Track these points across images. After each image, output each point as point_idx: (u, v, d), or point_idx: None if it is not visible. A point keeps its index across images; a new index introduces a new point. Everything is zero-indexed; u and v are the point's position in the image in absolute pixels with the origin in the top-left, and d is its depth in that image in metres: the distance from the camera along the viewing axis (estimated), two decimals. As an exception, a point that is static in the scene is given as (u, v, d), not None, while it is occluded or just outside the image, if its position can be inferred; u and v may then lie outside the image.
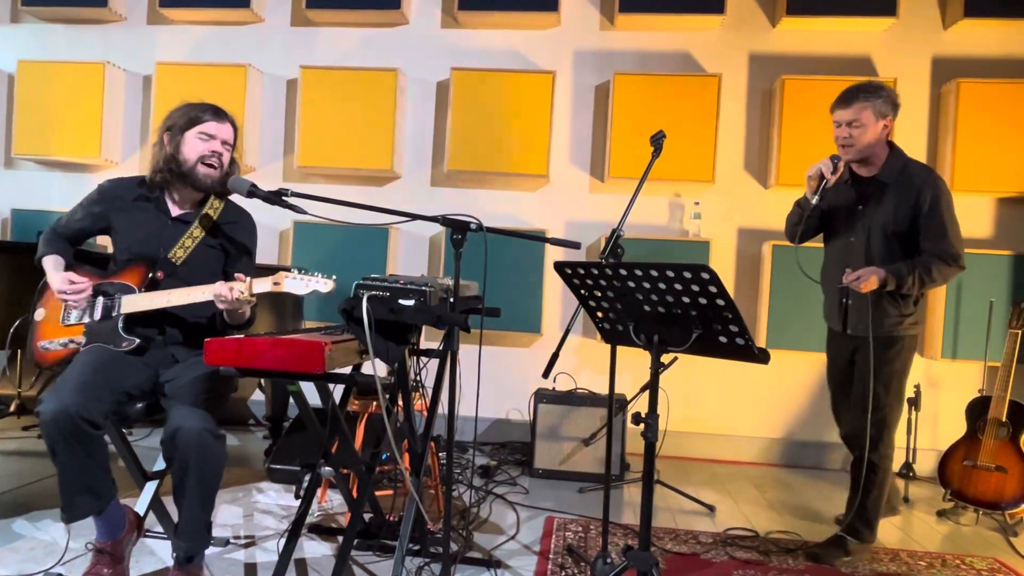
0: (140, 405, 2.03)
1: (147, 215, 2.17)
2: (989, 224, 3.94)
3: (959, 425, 3.26)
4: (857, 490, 2.58)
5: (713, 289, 1.65)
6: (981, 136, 3.77)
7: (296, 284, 1.91)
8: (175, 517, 2.00)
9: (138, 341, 2.05)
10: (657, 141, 2.45)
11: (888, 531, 2.74)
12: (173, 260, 2.14)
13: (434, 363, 2.35)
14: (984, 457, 3.10)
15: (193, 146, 2.11)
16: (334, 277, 1.91)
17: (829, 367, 2.83)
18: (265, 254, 4.26)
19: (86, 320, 2.09)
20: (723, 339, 1.75)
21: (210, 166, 2.12)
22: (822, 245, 2.79)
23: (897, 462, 3.27)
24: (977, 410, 3.20)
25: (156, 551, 2.32)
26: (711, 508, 3.14)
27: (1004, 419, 3.10)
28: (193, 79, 4.26)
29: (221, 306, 1.97)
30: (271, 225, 4.29)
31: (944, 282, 2.52)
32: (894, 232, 2.50)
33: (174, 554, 1.97)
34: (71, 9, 4.46)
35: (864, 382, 2.57)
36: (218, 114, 2.15)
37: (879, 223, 2.53)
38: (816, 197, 2.47)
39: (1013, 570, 2.59)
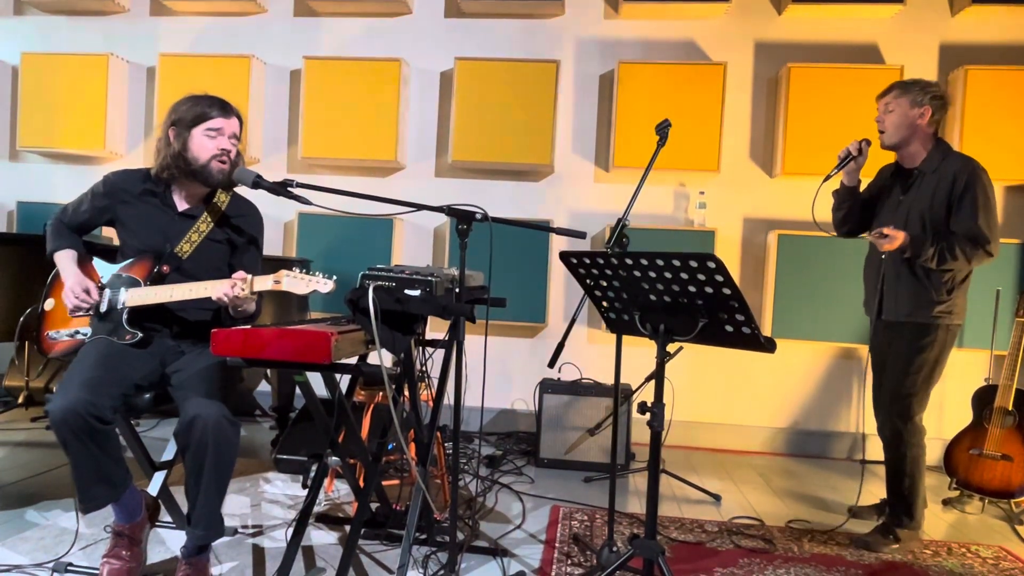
0: (148, 396, 2.04)
1: (153, 209, 2.17)
2: (996, 212, 3.91)
3: (965, 414, 3.26)
4: (891, 481, 2.65)
5: (719, 278, 1.64)
6: (988, 123, 3.74)
7: (296, 284, 1.91)
8: (184, 507, 2.02)
9: (141, 334, 2.06)
10: (663, 130, 2.44)
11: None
12: (179, 255, 2.14)
13: (440, 353, 2.35)
14: (990, 446, 3.10)
15: (201, 144, 2.10)
16: (334, 278, 1.90)
17: (872, 359, 2.83)
18: (270, 245, 4.27)
19: (91, 312, 2.10)
20: (729, 328, 1.75)
21: (222, 161, 2.12)
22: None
23: (933, 455, 3.27)
24: (983, 399, 3.19)
25: (165, 540, 2.34)
26: (716, 497, 3.15)
27: (1010, 408, 3.09)
28: (196, 70, 4.25)
29: (222, 303, 1.98)
30: (275, 216, 4.29)
31: (969, 264, 2.48)
32: (932, 219, 2.53)
33: (183, 547, 1.99)
34: (74, 1, 4.45)
35: (893, 370, 2.62)
36: (224, 108, 2.14)
37: (917, 211, 2.57)
38: (837, 170, 2.61)
39: (1019, 558, 2.59)
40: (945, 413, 3.90)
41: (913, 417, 2.61)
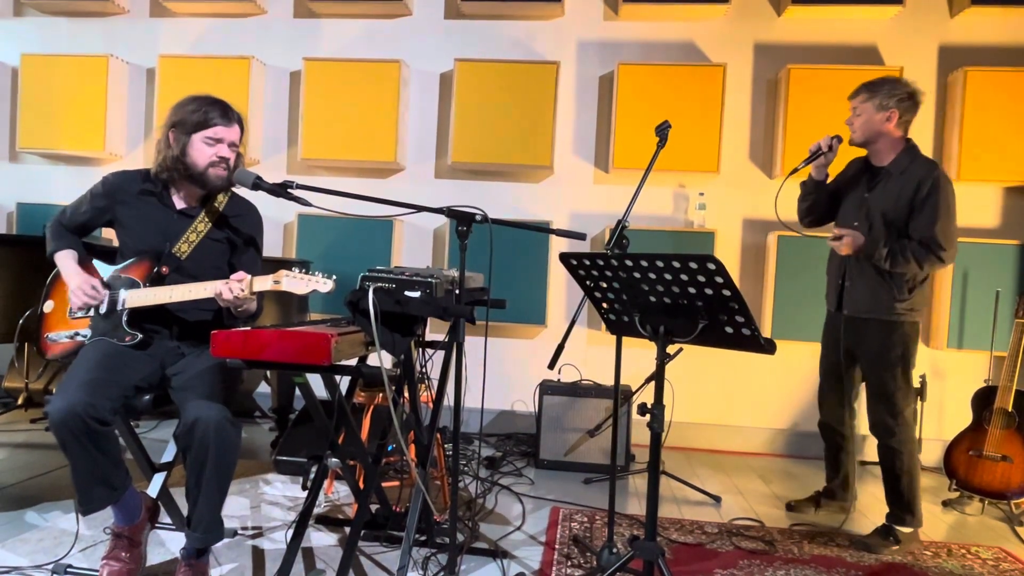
0: (148, 397, 2.04)
1: (152, 209, 2.17)
2: (996, 214, 3.92)
3: (965, 415, 3.26)
4: (888, 480, 2.69)
5: (719, 279, 1.64)
6: (988, 125, 3.75)
7: (296, 283, 1.91)
8: (183, 509, 2.02)
9: (140, 336, 2.06)
10: (662, 132, 2.44)
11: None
12: (178, 255, 2.14)
13: (440, 355, 2.35)
14: (990, 447, 3.10)
15: (200, 151, 2.10)
16: (334, 277, 1.91)
17: (823, 353, 2.94)
18: (270, 247, 4.27)
19: (92, 313, 2.10)
20: (729, 330, 1.75)
21: (220, 168, 2.12)
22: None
23: (933, 456, 3.29)
24: (983, 400, 3.19)
25: (165, 542, 2.34)
26: (716, 499, 3.15)
27: (1010, 409, 3.09)
28: (196, 72, 4.26)
29: (222, 303, 1.98)
30: (275, 218, 4.29)
31: (921, 269, 2.55)
32: (893, 220, 2.59)
33: (183, 549, 1.99)
34: (73, 2, 4.45)
35: (872, 371, 2.69)
36: (226, 115, 2.13)
37: (879, 210, 2.62)
38: (805, 164, 2.70)
39: (1018, 559, 2.59)
40: (945, 414, 3.91)
41: (903, 411, 2.65)
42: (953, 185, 2.58)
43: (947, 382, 3.93)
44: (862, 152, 2.77)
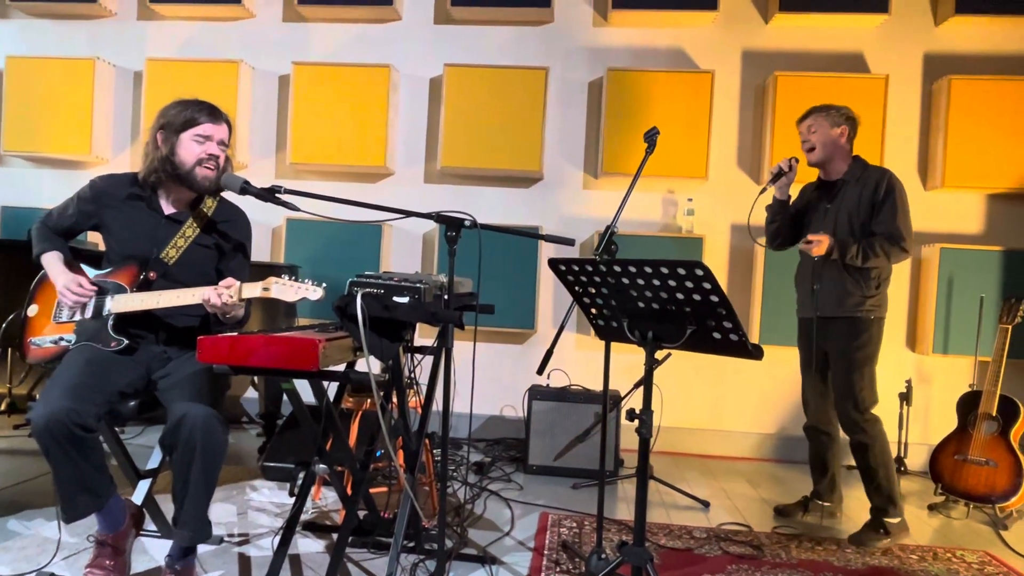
0: (133, 403, 2.02)
1: (139, 214, 2.15)
2: (980, 220, 3.97)
3: (950, 420, 3.29)
4: (865, 475, 2.79)
5: (707, 285, 1.65)
6: (972, 133, 3.79)
7: (285, 291, 1.89)
8: (169, 516, 2.00)
9: (127, 341, 2.04)
10: (651, 138, 2.45)
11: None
12: (166, 260, 2.12)
13: (428, 360, 2.35)
14: (975, 451, 3.12)
15: (189, 149, 2.09)
16: (323, 285, 1.89)
17: (801, 357, 3.05)
18: (258, 251, 4.22)
19: (77, 318, 2.08)
20: (717, 335, 1.75)
21: (208, 168, 2.11)
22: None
23: (919, 460, 3.30)
24: (968, 405, 3.22)
25: (149, 550, 2.31)
26: (705, 503, 3.16)
27: (994, 413, 3.12)
28: (184, 75, 4.23)
29: (210, 310, 1.96)
30: (264, 222, 4.27)
31: (888, 261, 2.71)
32: (858, 221, 2.76)
33: (168, 555, 1.97)
34: (60, 4, 4.42)
35: (838, 370, 2.81)
36: (213, 114, 2.12)
37: (845, 215, 2.80)
38: (770, 184, 2.87)
39: (1003, 563, 2.61)
40: (931, 419, 3.94)
41: (870, 407, 2.75)
42: (903, 184, 2.76)
43: (932, 387, 3.96)
44: (813, 177, 2.97)
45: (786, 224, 2.98)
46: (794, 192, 2.99)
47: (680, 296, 1.72)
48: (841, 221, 2.79)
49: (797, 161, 2.89)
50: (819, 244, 2.68)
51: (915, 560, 2.59)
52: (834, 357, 2.83)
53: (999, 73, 3.87)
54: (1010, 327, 3.20)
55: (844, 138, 2.84)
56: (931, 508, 3.23)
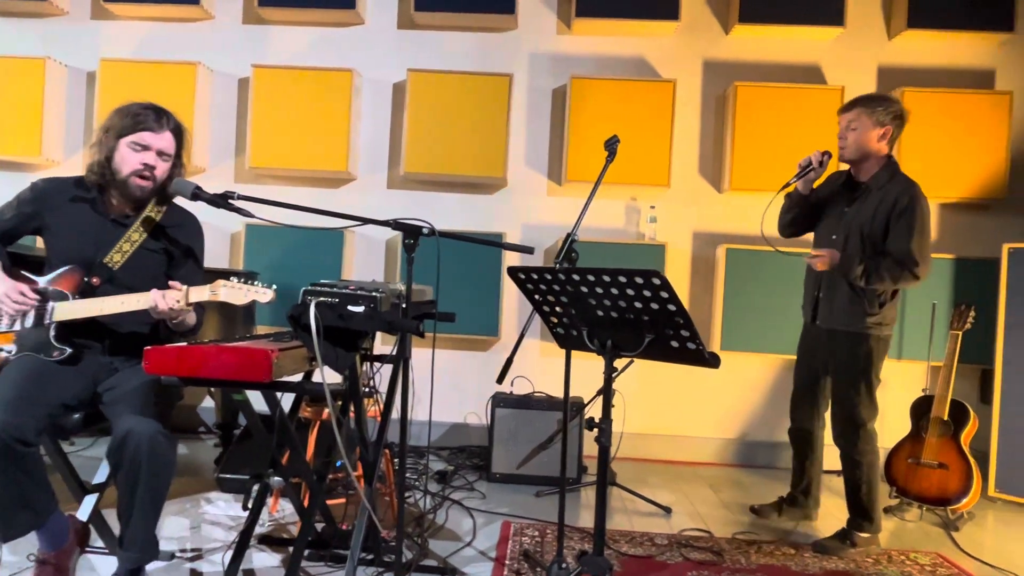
0: (77, 416, 1.95)
1: (84, 216, 2.08)
2: (932, 229, 4.06)
3: (904, 424, 3.36)
4: (848, 488, 2.78)
5: (664, 295, 1.65)
6: (924, 144, 3.89)
7: (234, 293, 1.85)
8: (116, 531, 1.93)
9: (70, 351, 1.97)
10: (611, 146, 2.46)
11: (834, 528, 2.82)
12: (110, 264, 2.05)
13: (389, 368, 2.31)
14: (927, 455, 3.19)
15: (124, 156, 2.03)
16: (274, 287, 1.86)
17: (798, 361, 3.02)
18: (216, 257, 4.15)
19: (17, 327, 2.00)
20: (675, 344, 1.76)
21: (142, 178, 2.05)
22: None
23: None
24: (921, 409, 3.30)
25: (96, 567, 2.23)
26: (667, 509, 3.17)
27: (946, 418, 3.20)
28: (140, 77, 4.12)
29: (156, 316, 1.90)
30: (222, 227, 4.18)
31: (895, 285, 2.61)
32: (869, 235, 2.64)
33: (115, 573, 1.90)
34: (10, 2, 4.27)
35: (838, 383, 2.78)
36: (159, 122, 2.06)
37: (858, 225, 2.67)
38: (796, 180, 2.72)
39: (955, 564, 2.67)
40: (885, 423, 4.00)
41: (865, 424, 2.72)
42: (929, 203, 2.63)
43: (887, 392, 4.03)
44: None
45: (803, 215, 2.85)
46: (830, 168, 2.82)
47: (638, 305, 1.72)
48: (853, 231, 2.67)
49: (829, 156, 2.69)
50: (822, 259, 2.59)
51: (870, 563, 2.64)
52: (833, 369, 2.81)
53: (950, 86, 3.98)
54: (960, 333, 3.29)
55: (885, 139, 2.65)
56: (886, 511, 3.28)
